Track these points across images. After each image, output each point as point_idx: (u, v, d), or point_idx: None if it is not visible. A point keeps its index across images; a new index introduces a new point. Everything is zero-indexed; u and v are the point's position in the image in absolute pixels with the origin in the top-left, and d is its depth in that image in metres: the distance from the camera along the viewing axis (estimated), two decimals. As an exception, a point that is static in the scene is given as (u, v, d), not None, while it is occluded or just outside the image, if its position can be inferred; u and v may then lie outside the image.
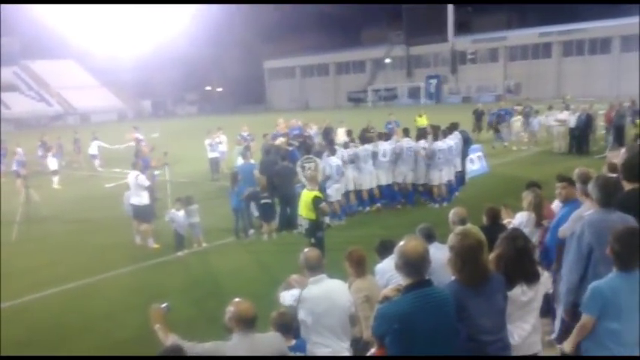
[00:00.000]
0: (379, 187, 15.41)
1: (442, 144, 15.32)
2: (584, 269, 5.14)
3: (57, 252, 13.42)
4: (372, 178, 15.25)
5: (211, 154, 21.59)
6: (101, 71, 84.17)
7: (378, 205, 15.42)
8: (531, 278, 4.55)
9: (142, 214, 13.22)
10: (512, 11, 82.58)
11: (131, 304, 9.92)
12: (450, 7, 72.17)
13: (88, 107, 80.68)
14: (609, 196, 5.29)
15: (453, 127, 16.89)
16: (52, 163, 23.54)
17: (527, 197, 7.42)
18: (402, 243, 3.93)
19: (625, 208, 5.31)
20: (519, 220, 7.39)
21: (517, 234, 4.79)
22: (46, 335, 8.88)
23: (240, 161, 15.80)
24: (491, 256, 4.60)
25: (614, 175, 6.72)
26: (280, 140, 17.23)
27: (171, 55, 72.68)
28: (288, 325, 5.40)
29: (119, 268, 11.76)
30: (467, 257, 4.07)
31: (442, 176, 15.36)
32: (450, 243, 4.17)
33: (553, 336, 6.58)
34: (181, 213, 12.55)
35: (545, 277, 4.76)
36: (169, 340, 4.34)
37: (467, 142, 17.41)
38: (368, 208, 15.33)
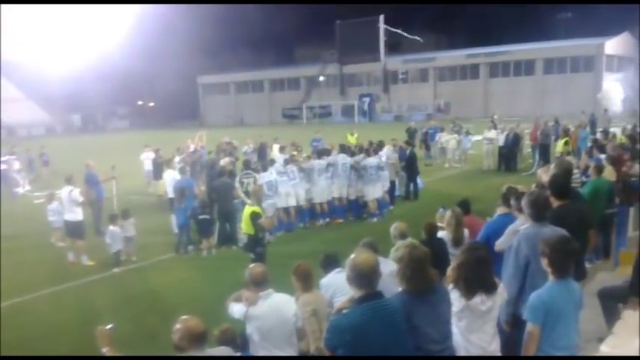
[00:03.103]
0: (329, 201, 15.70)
1: (373, 160, 15.78)
2: (522, 281, 5.36)
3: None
4: (323, 191, 15.46)
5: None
6: (27, 84, 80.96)
7: (327, 219, 15.63)
8: (490, 288, 4.73)
9: (76, 230, 12.86)
10: (441, 33, 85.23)
11: (67, 323, 9.64)
12: (382, 28, 73.58)
13: (14, 121, 77.41)
14: (541, 211, 5.59)
15: (381, 145, 17.67)
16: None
17: (445, 217, 7.71)
18: (353, 256, 4.03)
19: (557, 224, 5.63)
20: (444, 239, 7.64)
21: (478, 245, 5.02)
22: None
23: (176, 177, 15.47)
24: (453, 265, 4.81)
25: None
26: (225, 161, 17.00)
27: (102, 69, 70.97)
28: (232, 341, 5.42)
29: (52, 287, 11.38)
30: (416, 267, 4.25)
31: (375, 192, 15.77)
32: (399, 255, 4.34)
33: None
34: (117, 228, 12.36)
35: (502, 287, 4.96)
36: None
37: (413, 160, 18.38)
38: (304, 224, 15.46)
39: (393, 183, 17.36)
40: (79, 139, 57.78)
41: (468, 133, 26.98)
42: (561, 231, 5.33)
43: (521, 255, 5.39)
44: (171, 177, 15.39)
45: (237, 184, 14.00)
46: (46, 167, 27.90)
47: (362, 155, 16.20)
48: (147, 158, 22.05)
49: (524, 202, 5.79)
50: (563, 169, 7.03)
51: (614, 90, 56.75)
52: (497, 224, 6.92)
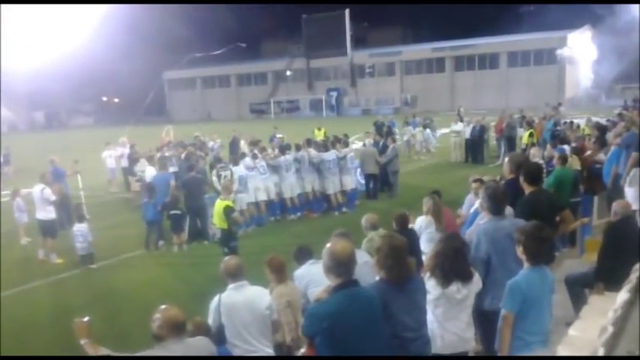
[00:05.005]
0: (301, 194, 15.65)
1: (331, 154, 15.82)
2: (484, 276, 5.40)
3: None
4: (292, 186, 15.41)
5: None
6: (-12, 83, 79.13)
7: (298, 213, 15.60)
8: (466, 277, 4.87)
9: (49, 229, 12.62)
10: (407, 27, 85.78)
11: (38, 321, 9.51)
12: (347, 22, 73.72)
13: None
14: (499, 205, 5.65)
15: (346, 139, 17.58)
16: None
17: (427, 203, 7.94)
18: (329, 245, 4.08)
19: (529, 209, 5.75)
20: (419, 224, 7.85)
21: (454, 236, 5.14)
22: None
23: (152, 172, 15.32)
24: (430, 255, 4.91)
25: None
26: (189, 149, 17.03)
27: (65, 66, 69.56)
28: (206, 334, 5.41)
29: (22, 285, 11.18)
30: (395, 256, 4.33)
31: (335, 185, 15.84)
32: (377, 245, 4.42)
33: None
34: (85, 225, 12.17)
35: (477, 277, 5.06)
36: (100, 353, 4.24)
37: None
38: (275, 218, 15.46)
39: (375, 176, 17.46)
40: (43, 137, 56.68)
41: (426, 127, 27.36)
42: (521, 222, 5.44)
43: (482, 250, 5.45)
44: (151, 173, 15.24)
45: (214, 178, 13.97)
46: (8, 166, 27.56)
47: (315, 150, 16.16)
48: (109, 156, 21.76)
49: (482, 196, 5.92)
50: (516, 163, 7.21)
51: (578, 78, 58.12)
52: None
